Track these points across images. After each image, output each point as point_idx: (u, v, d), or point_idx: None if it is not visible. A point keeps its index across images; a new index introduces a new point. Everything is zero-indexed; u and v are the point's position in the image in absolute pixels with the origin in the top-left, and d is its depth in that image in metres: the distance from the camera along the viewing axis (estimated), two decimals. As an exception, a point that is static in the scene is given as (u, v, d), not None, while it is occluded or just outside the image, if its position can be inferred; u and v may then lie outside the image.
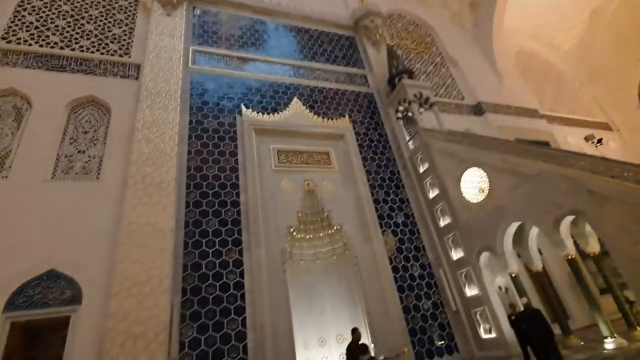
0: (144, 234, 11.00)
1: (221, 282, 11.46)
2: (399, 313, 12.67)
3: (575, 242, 10.59)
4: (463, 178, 13.49)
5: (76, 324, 9.55)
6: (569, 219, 9.89)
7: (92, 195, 11.57)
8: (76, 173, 12.10)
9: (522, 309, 8.28)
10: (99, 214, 11.21)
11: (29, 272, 9.75)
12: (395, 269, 13.85)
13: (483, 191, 12.83)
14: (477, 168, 12.93)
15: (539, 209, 10.35)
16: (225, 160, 14.11)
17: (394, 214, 15.47)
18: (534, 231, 12.34)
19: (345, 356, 6.31)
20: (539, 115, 25.26)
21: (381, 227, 14.69)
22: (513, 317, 7.85)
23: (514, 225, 11.56)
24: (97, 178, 12.08)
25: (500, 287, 12.59)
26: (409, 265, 14.28)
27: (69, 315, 9.66)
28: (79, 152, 12.60)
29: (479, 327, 12.45)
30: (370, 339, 12.20)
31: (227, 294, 11.32)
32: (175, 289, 10.76)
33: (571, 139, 26.27)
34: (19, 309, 9.30)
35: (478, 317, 12.54)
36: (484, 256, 12.53)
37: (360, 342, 6.18)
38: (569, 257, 9.74)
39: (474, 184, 13.13)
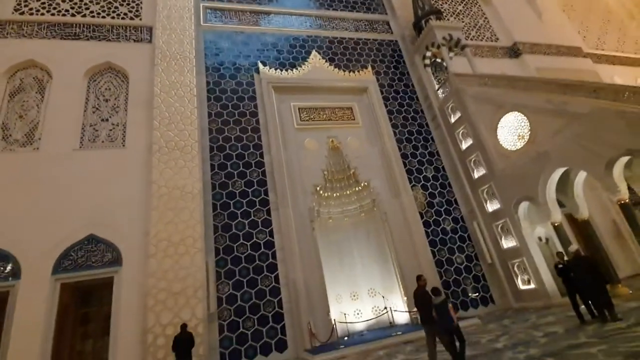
0: (173, 197, 11.12)
1: (252, 241, 11.59)
2: (431, 267, 12.46)
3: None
4: (500, 125, 12.46)
5: (120, 283, 10.02)
6: (624, 160, 8.92)
7: (121, 162, 11.68)
8: (102, 141, 12.20)
9: (567, 257, 7.73)
10: (130, 180, 11.37)
11: (71, 238, 10.18)
12: (426, 224, 13.47)
13: (523, 138, 11.82)
14: (516, 112, 11.83)
15: (588, 152, 9.39)
16: (246, 121, 13.76)
17: (423, 168, 14.81)
18: (580, 177, 11.38)
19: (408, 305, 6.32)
20: (582, 54, 22.70)
21: (410, 182, 14.15)
22: (560, 266, 7.34)
23: (559, 172, 10.67)
24: (123, 145, 12.13)
25: (540, 238, 11.97)
26: (440, 219, 13.83)
27: (112, 276, 10.14)
28: (102, 120, 12.62)
29: (517, 279, 12.08)
30: (402, 292, 12.19)
31: (258, 252, 11.47)
32: (209, 249, 10.99)
33: (619, 79, 23.65)
34: (66, 271, 9.83)
35: (515, 268, 12.12)
36: (523, 206, 11.82)
37: (433, 288, 6.00)
38: (622, 202, 8.91)
39: (512, 131, 12.10)
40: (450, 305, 5.85)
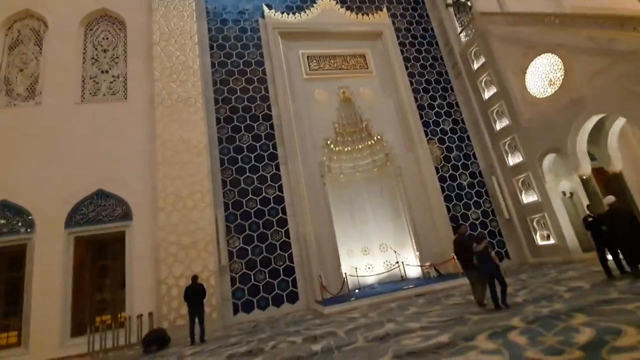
0: (179, 151, 10.79)
1: (261, 196, 11.35)
2: (445, 221, 12.09)
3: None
4: (530, 69, 11.26)
5: (131, 237, 10.08)
6: (674, 104, 7.90)
7: (124, 115, 11.28)
8: (104, 94, 11.72)
9: (598, 211, 7.14)
10: (134, 134, 11.03)
11: (80, 192, 10.12)
12: (442, 179, 12.88)
13: (554, 84, 10.67)
14: (550, 54, 10.58)
15: (632, 96, 8.35)
16: (252, 71, 12.92)
17: (440, 120, 13.89)
18: (616, 126, 10.42)
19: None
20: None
21: (426, 135, 13.35)
22: (590, 219, 6.78)
23: (593, 120, 9.70)
24: (125, 98, 11.64)
25: (564, 193, 11.30)
26: (457, 174, 13.19)
27: (123, 230, 10.18)
28: (102, 72, 12.04)
29: (535, 234, 11.63)
30: (414, 247, 11.98)
31: (268, 207, 11.27)
32: (218, 204, 10.83)
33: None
34: (78, 225, 9.89)
35: (535, 224, 11.63)
36: (548, 159, 11.02)
37: (475, 235, 6.30)
38: (666, 151, 8.05)
39: (542, 75, 10.93)
40: (491, 251, 6.09)
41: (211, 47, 12.90)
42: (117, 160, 10.65)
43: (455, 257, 6.97)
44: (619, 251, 6.50)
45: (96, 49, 12.38)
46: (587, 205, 8.18)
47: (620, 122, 10.43)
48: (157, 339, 7.79)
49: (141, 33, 12.32)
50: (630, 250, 5.68)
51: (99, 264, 11.22)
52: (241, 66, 12.87)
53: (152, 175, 10.50)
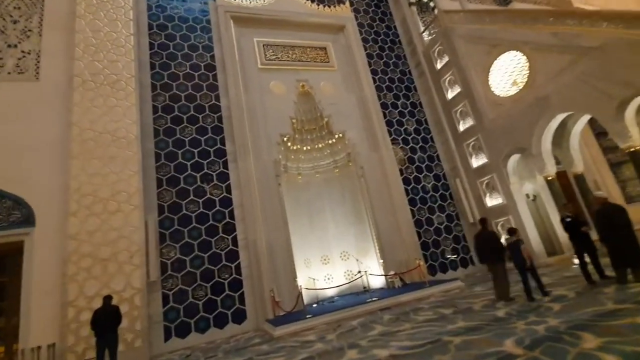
0: (102, 144, 8.92)
1: (205, 198, 9.73)
2: (410, 226, 11.26)
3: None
4: (493, 67, 10.93)
5: (32, 248, 7.97)
6: (638, 101, 7.69)
7: (33, 98, 9.17)
8: (9, 73, 9.49)
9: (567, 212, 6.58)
10: (44, 121, 8.96)
11: (-37, 191, 7.89)
12: (406, 181, 12.12)
13: (517, 84, 10.38)
14: (514, 52, 10.29)
15: (597, 92, 8.09)
16: (199, 56, 11.36)
17: (404, 120, 13.24)
18: (578, 127, 10.30)
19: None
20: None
21: (390, 135, 12.59)
22: (569, 219, 6.15)
23: (558, 119, 9.44)
24: (37, 78, 9.53)
25: (527, 195, 11.02)
26: (421, 176, 12.53)
27: (21, 239, 8.05)
28: (9, 46, 9.79)
29: (500, 239, 11.12)
30: (379, 254, 10.99)
31: (212, 210, 9.67)
32: (150, 206, 9.05)
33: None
34: (-46, 232, 7.63)
35: (500, 228, 11.16)
36: (513, 160, 10.66)
37: (509, 228, 6.67)
38: (633, 149, 7.80)
39: (506, 74, 10.62)
40: (523, 245, 6.07)
41: (150, 27, 11.18)
42: (19, 152, 8.51)
43: (477, 251, 6.86)
44: (598, 254, 5.92)
45: (4, 19, 10.11)
46: (564, 205, 7.70)
47: (583, 121, 10.31)
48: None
49: (62, 2, 10.32)
50: (623, 251, 4.99)
51: (-8, 282, 8.86)
52: (186, 49, 11.27)
53: (64, 172, 8.51)
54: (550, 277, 7.69)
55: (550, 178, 9.81)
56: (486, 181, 11.49)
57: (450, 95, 12.72)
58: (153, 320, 8.19)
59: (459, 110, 12.35)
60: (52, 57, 9.73)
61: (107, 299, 6.46)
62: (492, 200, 11.36)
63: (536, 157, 9.68)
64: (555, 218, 10.41)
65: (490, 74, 11.08)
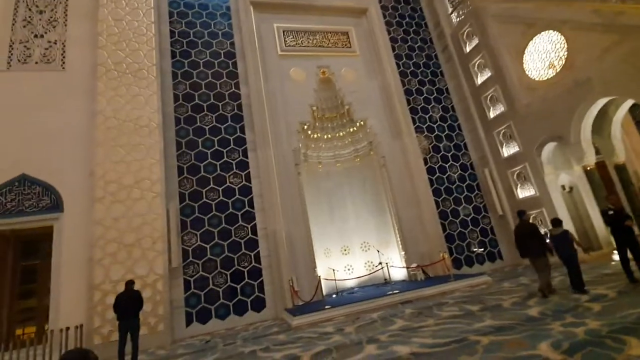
0: (125, 131, 9.06)
1: (224, 186, 9.73)
2: (434, 218, 10.84)
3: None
4: (528, 49, 10.15)
5: (61, 232, 8.28)
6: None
7: (59, 87, 9.42)
8: (36, 62, 9.77)
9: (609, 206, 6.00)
10: (70, 110, 9.19)
11: (-3, 177, 8.25)
12: (430, 170, 11.64)
13: (554, 67, 9.59)
14: (551, 32, 9.48)
15: (647, 74, 7.29)
16: (219, 44, 11.26)
17: (429, 107, 12.65)
18: (619, 113, 9.46)
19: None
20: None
21: (414, 122, 12.09)
22: (611, 212, 5.61)
23: (599, 104, 8.66)
24: (62, 67, 9.76)
25: (563, 187, 10.29)
26: (447, 166, 11.99)
27: (51, 224, 8.36)
28: (35, 36, 10.06)
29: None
30: (400, 246, 10.68)
31: (232, 199, 9.67)
32: (171, 194, 9.15)
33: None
34: (-9, 217, 8.01)
35: (531, 221, 10.51)
36: (548, 149, 9.94)
37: (553, 219, 6.46)
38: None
39: (543, 56, 9.83)
40: (571, 235, 6.01)
41: (171, 15, 11.16)
42: (47, 140, 8.80)
43: (518, 245, 6.42)
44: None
45: (30, 9, 10.37)
46: (607, 196, 7.07)
47: (625, 107, 9.45)
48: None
49: (86, -7, 10.45)
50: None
51: (24, 264, 9.31)
52: (206, 37, 11.19)
53: (90, 159, 8.72)
54: (588, 274, 7.12)
55: (589, 168, 9.08)
56: (517, 171, 10.82)
57: (479, 80, 12.00)
58: (175, 305, 8.33)
59: (489, 96, 11.64)
60: (76, 46, 9.92)
61: (130, 283, 6.57)
62: (524, 192, 10.71)
63: (574, 145, 8.96)
64: (593, 211, 9.69)
65: (524, 56, 10.30)
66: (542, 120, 9.76)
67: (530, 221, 6.82)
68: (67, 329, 7.33)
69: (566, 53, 9.20)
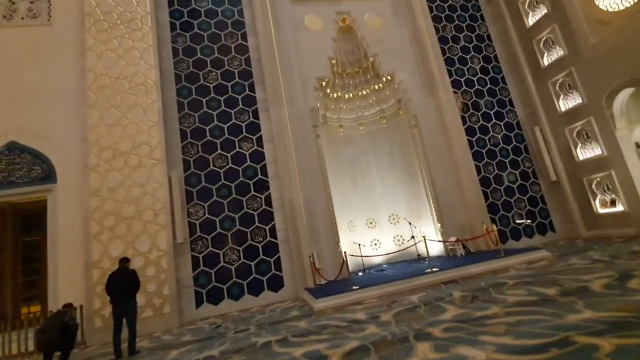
0: (119, 90, 7.95)
1: (234, 151, 8.57)
2: (475, 185, 9.35)
3: None
4: (601, -28, 8.11)
5: (55, 205, 7.44)
6: None
7: (46, 43, 8.35)
8: (22, 18, 8.68)
9: None
10: (59, 68, 8.14)
11: (-18, 145, 7.40)
12: (470, 131, 10.03)
13: (634, -8, 7.59)
14: (636, -57, 7.42)
15: None
16: (222, -11, 9.79)
17: (468, 57, 10.83)
18: None
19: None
20: None
21: (450, 76, 10.36)
22: None
23: None
24: (49, 21, 8.64)
25: (637, 144, 8.53)
26: (489, 125, 10.31)
27: (44, 196, 7.51)
28: (20, -11, 8.94)
29: (594, 200, 8.91)
30: (435, 218, 9.34)
31: (243, 166, 8.52)
32: (173, 161, 8.09)
33: None
34: (-24, 188, 7.22)
35: (594, 186, 8.88)
36: (621, 98, 8.13)
37: None
38: None
39: (621, -21, 7.81)
40: None
41: (166, -44, 9.69)
42: (36, 104, 7.85)
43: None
44: None
45: (12, -41, 9.19)
46: None
47: None
48: (53, 343, 4.91)
49: None
50: None
51: (25, 240, 8.66)
52: (207, -19, 9.71)
53: (82, 123, 7.70)
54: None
55: (682, 118, 7.26)
56: (578, 128, 9.06)
57: (531, 20, 10.03)
58: (182, 284, 7.45)
59: (544, 39, 9.70)
60: (63, -3, 8.72)
61: (123, 261, 5.63)
62: (586, 152, 8.99)
63: (663, 89, 7.12)
64: (677, 173, 7.95)
65: (594, -18, 8.28)
66: (616, 61, 7.88)
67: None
68: (66, 310, 6.59)
69: (656, -29, 7.18)
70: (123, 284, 5.38)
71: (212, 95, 8.83)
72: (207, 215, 8.02)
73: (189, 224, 7.86)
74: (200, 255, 7.76)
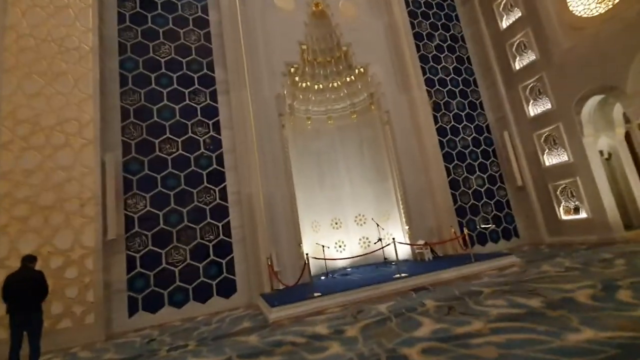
0: (46, 55, 6.62)
1: (185, 136, 7.51)
2: (444, 187, 9.00)
3: None
4: (575, -23, 8.09)
5: (-50, 189, 5.96)
6: None
7: (-48, -8, 6.78)
8: None
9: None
10: (-33, 23, 6.63)
11: None
12: (441, 131, 9.72)
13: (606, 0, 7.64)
14: (610, -50, 7.42)
15: None
16: (182, -46, 8.67)
17: (442, 56, 10.56)
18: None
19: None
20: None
21: (424, 73, 10.02)
22: None
23: (671, 43, 6.79)
24: (-41, -35, 7.05)
25: (601, 152, 8.62)
26: (460, 127, 10.08)
27: (-64, 176, 6.01)
28: None
29: (558, 207, 8.90)
30: (404, 220, 8.87)
31: (195, 154, 7.48)
32: (110, 143, 6.88)
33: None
34: None
35: (559, 192, 8.87)
36: (589, 105, 8.13)
37: None
38: None
39: (594, -14, 7.82)
40: None
41: None
42: None
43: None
44: None
45: None
46: None
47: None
48: None
49: None
50: None
51: None
52: (164, -58, 8.56)
53: (-7, 90, 6.29)
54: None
55: (646, 127, 7.33)
56: (546, 133, 9.03)
57: (505, 23, 9.96)
58: (113, 289, 6.29)
59: (516, 42, 9.64)
60: (-19, -62, 7.18)
61: (27, 260, 4.44)
62: (553, 158, 8.97)
63: (632, 97, 7.13)
64: (636, 182, 8.10)
65: (568, -13, 8.26)
66: (588, 67, 7.87)
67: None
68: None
69: (627, -21, 7.20)
70: (24, 289, 4.22)
71: (163, 70, 7.71)
72: (148, 207, 6.89)
73: (125, 218, 6.69)
74: (138, 255, 6.62)
